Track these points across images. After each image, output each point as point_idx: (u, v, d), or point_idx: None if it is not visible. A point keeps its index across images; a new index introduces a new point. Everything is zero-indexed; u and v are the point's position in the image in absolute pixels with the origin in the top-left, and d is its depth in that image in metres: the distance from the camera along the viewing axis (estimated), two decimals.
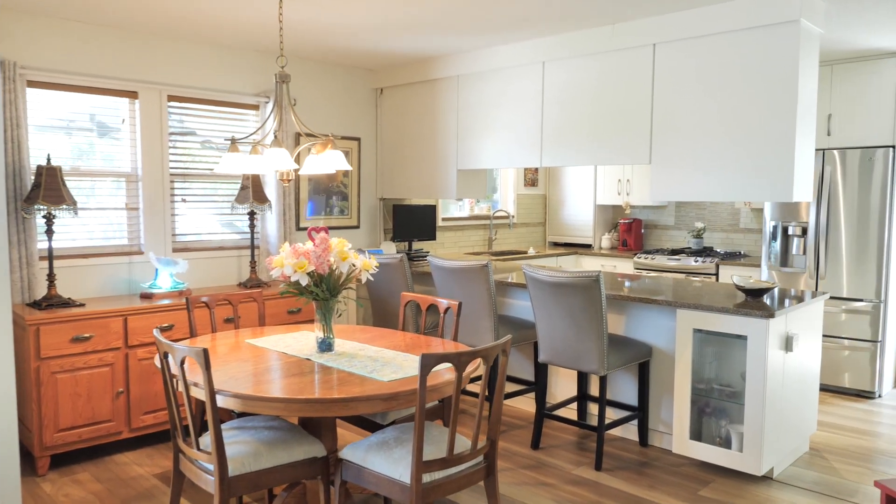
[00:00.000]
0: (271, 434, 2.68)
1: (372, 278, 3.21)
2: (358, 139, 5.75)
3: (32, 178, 3.91)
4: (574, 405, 4.45)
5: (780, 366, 3.49)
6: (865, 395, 5.03)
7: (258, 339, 3.26)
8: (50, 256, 3.87)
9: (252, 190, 4.70)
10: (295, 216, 5.30)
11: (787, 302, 3.62)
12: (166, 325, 4.02)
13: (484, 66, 5.03)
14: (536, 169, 7.37)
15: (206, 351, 2.31)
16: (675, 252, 6.25)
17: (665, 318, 3.94)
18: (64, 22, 4.12)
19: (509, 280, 4.51)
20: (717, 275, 5.75)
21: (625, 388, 4.18)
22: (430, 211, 6.00)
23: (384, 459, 2.51)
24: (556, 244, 7.48)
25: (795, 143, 3.64)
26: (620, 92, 4.33)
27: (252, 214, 4.79)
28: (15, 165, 3.86)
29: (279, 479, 2.55)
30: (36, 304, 3.81)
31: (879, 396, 5.01)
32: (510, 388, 4.75)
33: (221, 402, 2.41)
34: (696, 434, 3.69)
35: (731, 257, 5.94)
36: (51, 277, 3.88)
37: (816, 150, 5.10)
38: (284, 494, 2.87)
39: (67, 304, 3.87)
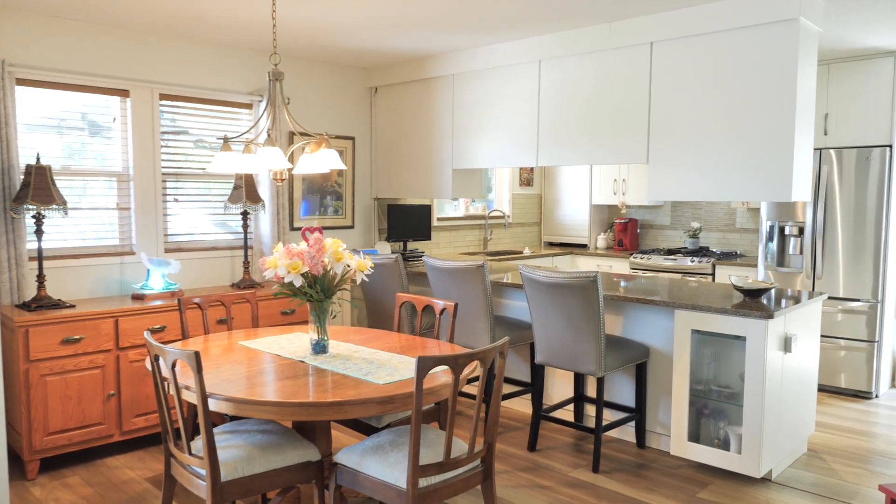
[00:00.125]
0: (265, 438, 2.64)
1: (367, 279, 3.17)
2: (352, 138, 5.70)
3: (22, 177, 3.85)
4: (571, 406, 4.42)
5: (778, 367, 3.47)
6: (862, 395, 5.02)
7: (251, 340, 3.22)
8: (39, 257, 3.82)
9: (245, 189, 4.65)
10: (289, 216, 5.26)
11: (785, 302, 3.60)
12: (158, 326, 3.97)
13: (480, 65, 4.99)
14: (532, 168, 7.34)
15: (197, 354, 2.27)
16: (671, 252, 6.23)
17: (663, 319, 3.91)
18: (54, 19, 4.06)
19: (505, 280, 4.47)
20: (713, 275, 5.73)
21: (622, 390, 4.15)
22: (425, 211, 5.97)
23: (380, 464, 2.47)
24: (551, 244, 7.45)
25: (794, 142, 3.61)
26: (617, 91, 4.30)
27: (245, 214, 4.74)
28: (4, 165, 3.80)
29: (273, 484, 2.51)
30: (25, 306, 3.75)
31: (876, 397, 4.99)
32: (506, 389, 4.71)
33: (214, 405, 2.37)
34: (695, 436, 3.67)
35: (728, 257, 5.92)
36: (40, 278, 3.83)
37: (813, 149, 5.08)
38: (278, 499, 2.83)
39: (57, 305, 3.81)
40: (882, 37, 4.41)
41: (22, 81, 3.97)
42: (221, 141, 4.40)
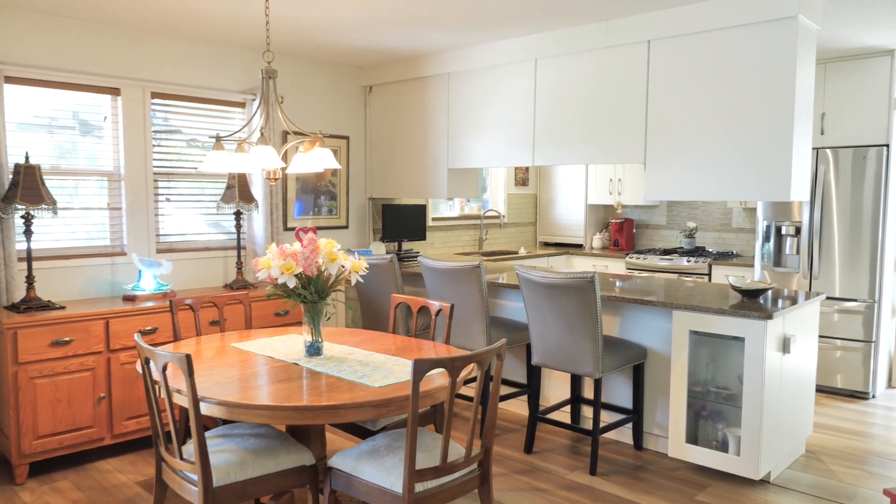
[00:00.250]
0: (258, 442, 2.59)
1: (361, 280, 3.13)
2: (346, 137, 5.66)
3: (10, 176, 3.79)
4: (567, 408, 4.38)
5: (777, 368, 3.44)
6: (859, 395, 5.00)
7: (244, 342, 3.17)
8: (29, 258, 3.76)
9: (238, 189, 4.60)
10: (282, 216, 5.21)
11: (783, 303, 3.57)
12: (149, 328, 3.91)
13: (475, 64, 4.95)
14: (527, 168, 7.30)
15: (188, 357, 2.22)
16: (667, 252, 6.20)
17: (660, 320, 3.88)
18: (44, 16, 4.00)
19: (501, 281, 4.43)
20: (709, 275, 5.71)
21: (619, 391, 4.12)
22: (420, 211, 5.92)
23: (375, 468, 2.43)
24: (546, 244, 7.42)
25: (793, 141, 3.59)
26: (614, 90, 4.27)
27: (238, 214, 4.69)
28: None
29: (266, 489, 2.47)
30: (14, 307, 3.69)
31: (873, 397, 4.98)
32: (502, 390, 4.67)
33: (206, 409, 2.32)
34: (693, 437, 3.63)
35: (724, 257, 5.90)
36: (29, 279, 3.77)
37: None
38: None
39: (47, 306, 3.75)
40: (881, 35, 4.39)
41: (11, 79, 3.91)
42: (214, 140, 4.35)
